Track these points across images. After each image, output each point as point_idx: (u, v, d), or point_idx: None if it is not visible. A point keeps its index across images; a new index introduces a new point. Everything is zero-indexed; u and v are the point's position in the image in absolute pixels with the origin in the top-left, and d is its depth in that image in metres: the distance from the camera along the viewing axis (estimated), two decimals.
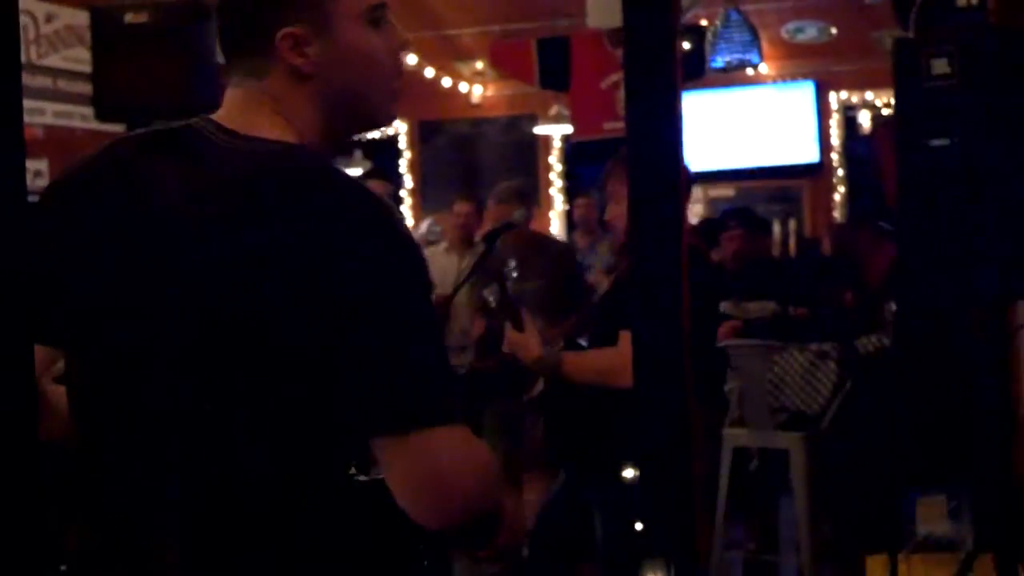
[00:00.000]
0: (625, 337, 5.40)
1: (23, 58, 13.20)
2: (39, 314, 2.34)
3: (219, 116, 2.54)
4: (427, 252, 9.70)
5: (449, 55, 14.19)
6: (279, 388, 2.28)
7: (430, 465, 2.25)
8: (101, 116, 12.68)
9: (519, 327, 6.03)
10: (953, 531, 6.45)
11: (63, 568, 6.24)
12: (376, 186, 8.87)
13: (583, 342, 6.26)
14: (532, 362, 5.93)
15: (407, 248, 2.33)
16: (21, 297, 3.07)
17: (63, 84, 13.83)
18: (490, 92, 15.44)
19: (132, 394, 2.41)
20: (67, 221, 2.50)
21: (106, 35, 12.30)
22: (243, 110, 2.53)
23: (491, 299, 6.96)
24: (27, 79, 13.41)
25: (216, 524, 2.35)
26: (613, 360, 5.49)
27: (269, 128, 2.45)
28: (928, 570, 6.15)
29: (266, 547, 2.35)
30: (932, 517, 6.50)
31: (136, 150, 2.58)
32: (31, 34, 13.80)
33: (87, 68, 12.61)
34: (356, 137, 2.74)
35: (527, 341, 5.95)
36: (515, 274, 6.90)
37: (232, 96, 2.58)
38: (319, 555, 2.35)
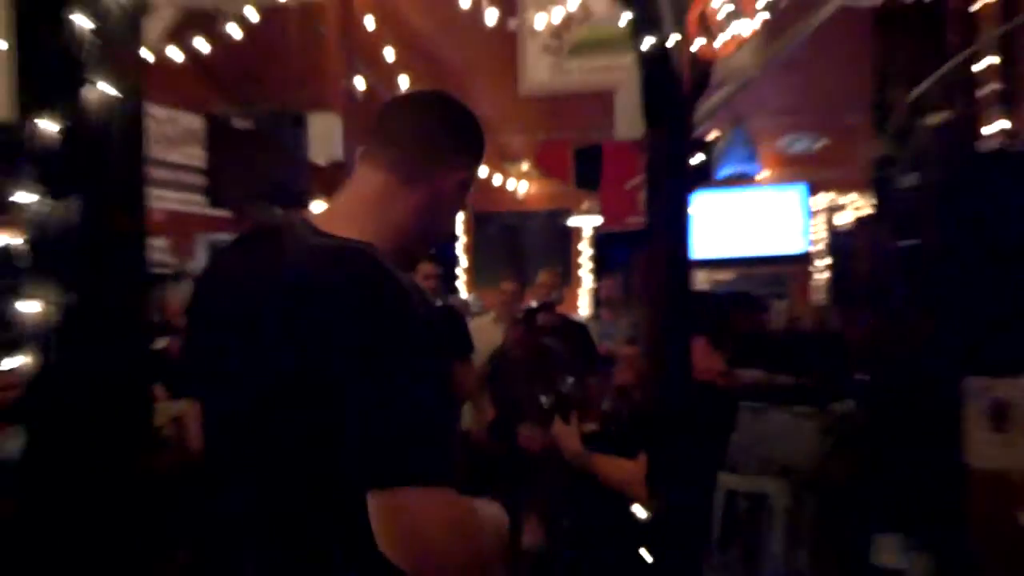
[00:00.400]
0: (643, 457, 5.42)
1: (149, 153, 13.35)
2: (186, 375, 2.69)
3: (333, 203, 2.71)
4: (475, 321, 9.71)
5: (500, 157, 14.26)
6: (316, 440, 2.30)
7: (404, 521, 2.19)
8: (213, 203, 12.82)
9: (567, 421, 5.98)
10: (908, 566, 6.41)
11: None
12: (425, 267, 8.93)
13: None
14: (572, 455, 5.84)
15: (413, 327, 2.29)
16: (139, 351, 3.11)
17: (182, 176, 13.92)
18: (533, 189, 15.49)
19: (221, 437, 2.55)
20: (196, 306, 2.69)
21: (217, 136, 12.45)
22: (356, 197, 2.68)
23: (545, 403, 6.93)
24: (152, 171, 13.52)
25: (278, 536, 2.41)
26: (633, 475, 5.43)
27: (357, 228, 2.53)
28: None
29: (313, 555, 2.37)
30: (888, 552, 6.47)
31: (238, 246, 2.69)
32: (156, 133, 13.91)
33: (202, 163, 12.75)
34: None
35: (571, 436, 5.88)
36: (570, 380, 6.90)
37: (359, 179, 2.72)
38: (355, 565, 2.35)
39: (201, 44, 12.55)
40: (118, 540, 3.10)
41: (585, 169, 12.79)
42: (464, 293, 14.88)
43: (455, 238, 16.48)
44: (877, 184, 6.00)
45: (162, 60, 12.71)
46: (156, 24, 12.76)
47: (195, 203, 13.53)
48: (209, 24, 12.83)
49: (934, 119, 9.48)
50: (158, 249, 15.94)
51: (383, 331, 2.25)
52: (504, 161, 14.38)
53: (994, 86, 9.96)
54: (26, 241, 2.69)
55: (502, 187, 14.73)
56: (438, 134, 2.74)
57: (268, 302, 2.36)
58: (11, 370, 2.77)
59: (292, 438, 2.33)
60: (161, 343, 9.95)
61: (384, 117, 2.79)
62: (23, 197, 2.64)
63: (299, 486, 2.37)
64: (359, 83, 13.73)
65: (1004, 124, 7.19)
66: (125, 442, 3.01)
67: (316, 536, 2.37)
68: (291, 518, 2.39)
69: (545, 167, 14.03)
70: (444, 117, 2.81)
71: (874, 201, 6.16)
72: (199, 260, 15.21)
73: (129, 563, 3.20)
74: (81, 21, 2.62)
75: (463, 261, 15.77)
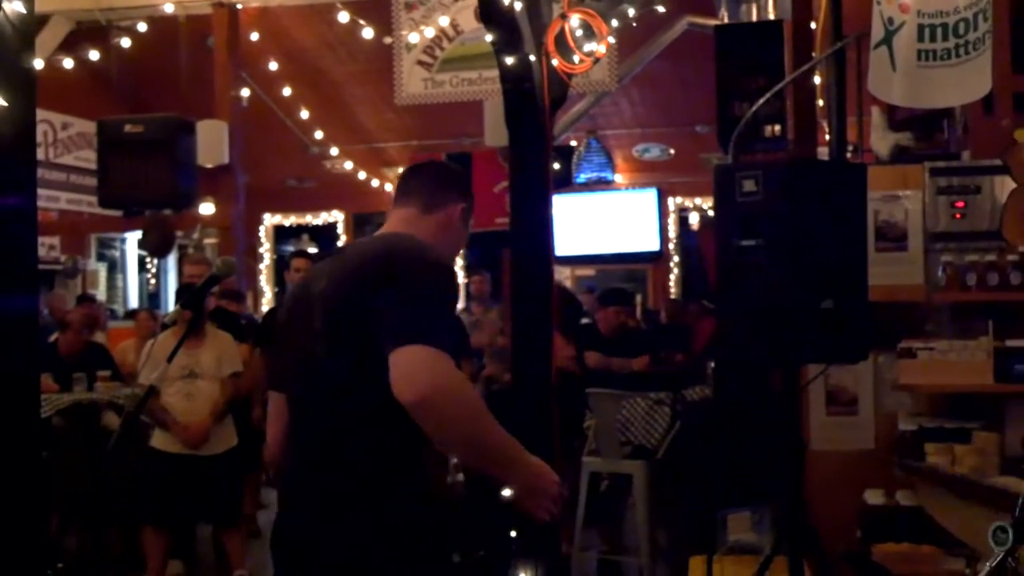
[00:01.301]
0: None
1: (43, 156, 13.09)
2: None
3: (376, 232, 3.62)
4: None
5: (377, 163, 14.22)
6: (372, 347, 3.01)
7: (407, 361, 2.92)
8: (103, 204, 12.61)
9: None
10: (756, 539, 6.49)
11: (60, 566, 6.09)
12: (300, 263, 8.92)
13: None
14: None
15: (442, 275, 3.20)
16: (31, 351, 3.04)
17: (74, 178, 13.69)
18: None
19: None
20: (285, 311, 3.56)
21: (110, 141, 12.24)
22: (393, 225, 3.49)
23: None
24: (45, 173, 13.30)
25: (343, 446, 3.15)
26: None
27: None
28: (736, 569, 6.18)
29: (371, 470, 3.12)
30: (739, 528, 6.53)
31: (320, 259, 3.71)
32: (50, 138, 13.65)
33: (93, 166, 12.53)
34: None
35: None
36: None
37: (393, 216, 3.54)
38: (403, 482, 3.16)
39: (94, 54, 12.35)
40: (13, 534, 3.01)
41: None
42: None
43: (337, 236, 16.42)
44: (719, 188, 6.08)
45: (57, 69, 12.48)
46: (51, 35, 12.52)
47: (87, 203, 13.31)
48: (102, 36, 12.62)
49: (770, 130, 9.64)
50: (51, 247, 15.69)
51: (420, 264, 3.17)
52: (381, 166, 14.33)
53: (826, 101, 10.16)
54: None
55: (380, 189, 14.67)
56: (444, 181, 3.61)
57: (342, 274, 3.24)
58: None
59: (359, 350, 3.08)
60: (52, 336, 9.78)
61: (406, 176, 3.63)
62: None
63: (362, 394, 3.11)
64: (244, 92, 13.60)
65: (833, 136, 7.33)
66: (15, 434, 2.94)
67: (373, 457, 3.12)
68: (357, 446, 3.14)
69: None
70: (446, 172, 3.77)
71: (717, 204, 6.22)
72: (90, 258, 14.95)
73: (25, 553, 3.13)
74: None
75: None
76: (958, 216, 6.49)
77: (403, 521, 3.10)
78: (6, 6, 2.63)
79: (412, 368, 2.92)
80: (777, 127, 9.76)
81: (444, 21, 13.00)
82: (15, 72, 2.73)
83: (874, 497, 6.03)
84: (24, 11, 2.70)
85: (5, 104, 2.66)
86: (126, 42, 12.73)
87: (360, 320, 3.06)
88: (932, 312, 6.48)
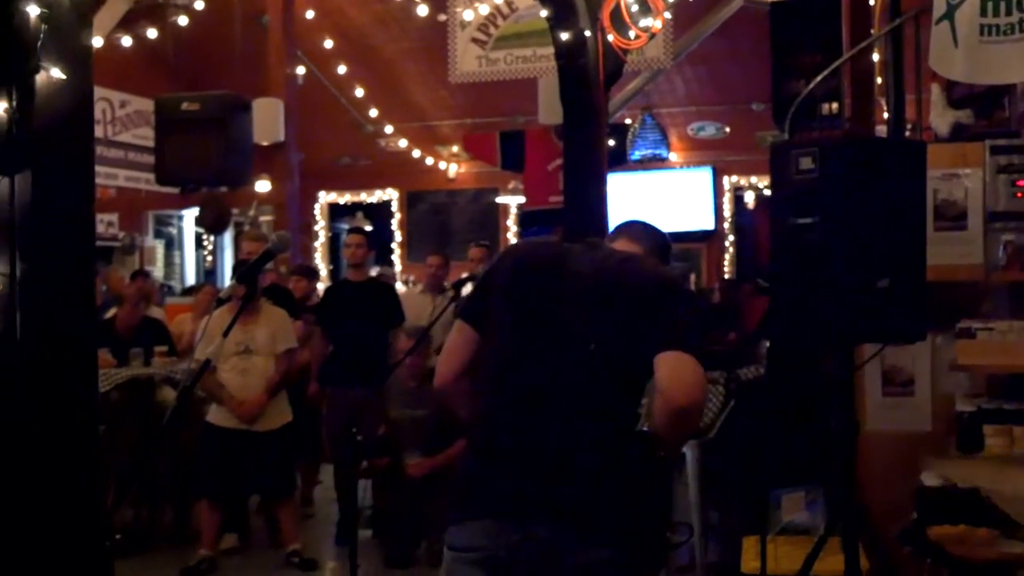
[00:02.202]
0: None
1: (101, 134, 13.17)
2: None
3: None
4: (405, 292, 9.65)
5: (432, 141, 14.22)
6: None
7: (677, 363, 3.23)
8: (160, 181, 12.67)
9: None
10: (809, 519, 6.44)
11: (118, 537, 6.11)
12: (355, 239, 8.96)
13: None
14: None
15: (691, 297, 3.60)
16: (86, 320, 3.04)
17: (132, 156, 13.76)
18: (462, 170, 15.47)
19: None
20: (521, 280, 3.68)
21: (166, 119, 12.30)
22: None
23: None
24: (103, 151, 13.38)
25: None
26: None
27: None
28: (789, 550, 6.13)
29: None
30: (793, 508, 6.49)
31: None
32: (108, 116, 13.73)
33: (151, 143, 12.59)
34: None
35: None
36: None
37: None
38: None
39: (151, 33, 12.41)
40: (71, 507, 3.03)
41: (510, 152, 12.78)
42: (398, 266, 14.81)
43: (392, 215, 16.43)
44: (775, 166, 6.02)
45: (115, 48, 12.54)
46: (110, 13, 12.58)
47: (144, 181, 13.38)
48: (159, 14, 12.67)
49: (827, 108, 9.54)
50: (109, 224, 15.80)
51: (678, 295, 3.48)
52: (435, 144, 14.32)
53: (884, 78, 10.04)
54: None
55: (433, 168, 14.71)
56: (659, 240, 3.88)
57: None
58: None
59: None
60: (110, 312, 9.85)
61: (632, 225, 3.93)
62: None
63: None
64: (299, 70, 13.62)
65: (891, 113, 7.24)
66: (73, 408, 2.94)
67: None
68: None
69: (473, 150, 13.96)
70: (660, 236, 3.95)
71: (773, 182, 6.16)
72: (147, 235, 15.05)
73: (82, 525, 3.14)
74: (31, 8, 2.59)
75: (397, 236, 15.71)
76: (1019, 195, 6.38)
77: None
78: None
79: (678, 373, 3.23)
80: (834, 105, 9.67)
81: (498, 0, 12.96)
82: (72, 47, 2.74)
83: (931, 478, 5.95)
84: None
85: (63, 77, 2.68)
86: (183, 20, 12.77)
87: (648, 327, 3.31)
88: (991, 292, 6.40)
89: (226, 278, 16.69)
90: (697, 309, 3.59)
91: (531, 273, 3.53)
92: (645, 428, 3.40)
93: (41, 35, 2.60)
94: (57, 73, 2.66)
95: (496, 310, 3.49)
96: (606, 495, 3.25)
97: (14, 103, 2.60)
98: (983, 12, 6.12)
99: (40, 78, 2.64)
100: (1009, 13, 6.10)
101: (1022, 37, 6.11)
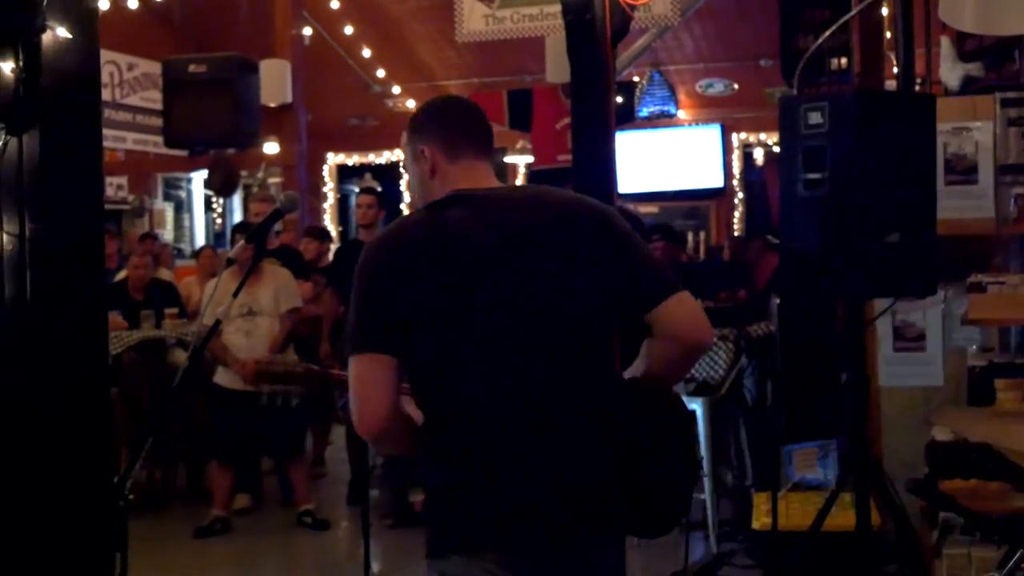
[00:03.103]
0: None
1: (109, 97, 13.15)
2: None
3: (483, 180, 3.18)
4: None
5: None
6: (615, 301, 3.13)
7: (687, 304, 3.07)
8: (168, 144, 12.67)
9: None
10: (821, 475, 6.44)
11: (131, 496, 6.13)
12: (365, 199, 8.98)
13: None
14: None
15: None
16: (96, 282, 3.03)
17: (140, 119, 13.74)
18: None
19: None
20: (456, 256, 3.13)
21: (174, 81, 12.28)
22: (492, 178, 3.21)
23: None
24: (112, 114, 13.37)
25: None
26: None
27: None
28: (801, 506, 6.14)
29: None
30: (805, 464, 6.49)
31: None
32: (116, 79, 13.70)
33: (159, 106, 12.58)
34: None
35: None
36: None
37: (485, 168, 3.20)
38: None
39: None
40: (84, 468, 3.04)
41: (518, 111, 12.73)
42: None
43: (400, 175, 16.39)
44: (784, 123, 5.99)
45: (123, 10, 12.51)
46: None
47: (153, 144, 13.36)
48: None
49: (835, 63, 9.49)
50: (119, 187, 15.79)
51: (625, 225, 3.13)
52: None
53: (893, 32, 9.98)
54: None
55: None
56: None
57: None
58: None
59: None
60: (120, 274, 9.88)
61: (480, 120, 3.33)
62: None
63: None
64: (306, 31, 13.58)
65: (901, 67, 7.19)
66: (84, 369, 2.94)
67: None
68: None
69: (482, 108, 13.94)
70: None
71: (781, 137, 6.13)
72: (156, 197, 15.05)
73: (95, 486, 3.14)
74: None
75: (406, 197, 15.62)
76: None
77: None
78: None
79: (691, 313, 3.08)
80: (843, 60, 9.62)
81: None
82: (78, 7, 2.74)
83: (942, 433, 5.94)
84: None
85: (69, 37, 2.67)
86: None
87: (613, 271, 3.01)
88: (1002, 246, 6.37)
89: (198, 238, 16.72)
90: (643, 231, 3.38)
91: (436, 257, 2.97)
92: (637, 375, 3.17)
93: None
94: (63, 32, 2.65)
95: (424, 311, 2.93)
96: (617, 482, 3.01)
97: (20, 62, 2.60)
98: None
99: (46, 37, 2.63)
100: None
101: None
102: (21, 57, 2.60)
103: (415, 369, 2.98)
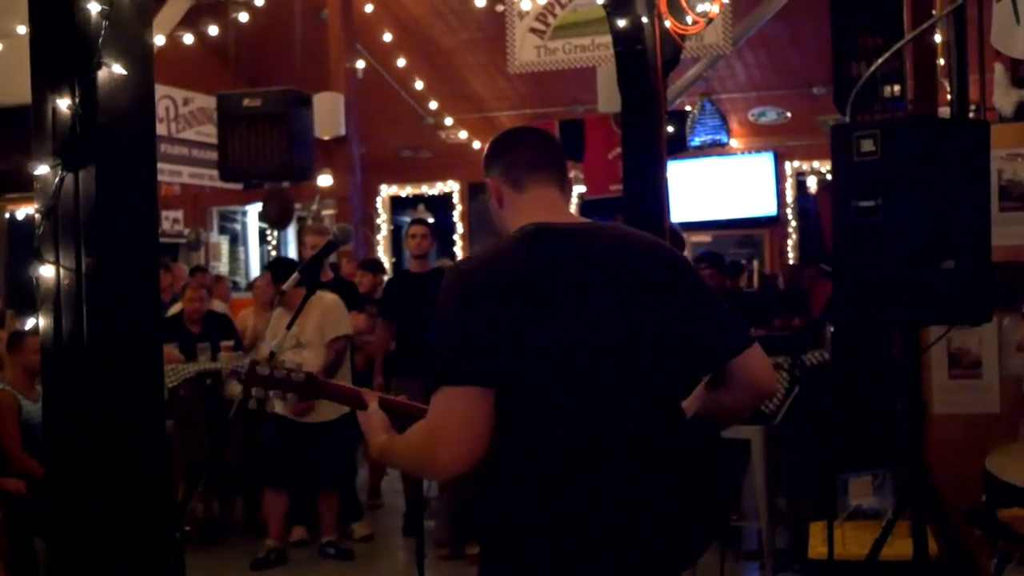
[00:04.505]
0: None
1: (165, 132, 13.30)
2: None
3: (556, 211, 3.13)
4: None
5: (492, 132, 14.21)
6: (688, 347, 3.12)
7: (761, 357, 3.08)
8: (223, 177, 12.81)
9: None
10: (877, 503, 6.41)
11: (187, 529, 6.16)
12: (417, 229, 9.03)
13: None
14: None
15: None
16: (151, 315, 3.07)
17: (196, 153, 13.88)
18: None
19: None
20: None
21: (229, 115, 12.42)
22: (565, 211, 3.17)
23: None
24: (168, 148, 13.51)
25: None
26: None
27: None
28: (858, 535, 6.11)
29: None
30: (861, 492, 6.45)
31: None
32: (172, 113, 13.86)
33: (214, 140, 12.72)
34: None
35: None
36: None
37: (555, 197, 3.15)
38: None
39: (213, 30, 12.51)
40: (141, 500, 3.07)
41: (569, 141, 12.77)
42: (460, 255, 14.84)
43: (452, 206, 16.45)
44: (837, 151, 5.98)
45: (178, 45, 12.66)
46: (172, 11, 12.70)
47: (208, 177, 13.49)
48: (220, 11, 12.78)
49: (889, 91, 9.46)
50: (175, 221, 15.94)
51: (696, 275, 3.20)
52: (494, 135, 14.36)
53: (947, 59, 9.93)
54: (39, 210, 2.69)
55: None
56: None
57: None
58: (31, 330, 2.82)
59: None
60: (175, 307, 9.97)
61: (554, 146, 3.33)
62: (40, 170, 2.64)
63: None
64: (359, 64, 13.69)
65: (954, 94, 7.17)
66: (140, 402, 2.98)
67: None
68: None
69: None
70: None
71: (834, 165, 6.12)
72: (212, 230, 15.19)
73: (152, 518, 3.18)
74: (92, 6, 2.63)
75: (459, 228, 15.74)
76: None
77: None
78: None
79: (767, 365, 3.08)
80: (896, 87, 9.59)
81: None
82: (133, 44, 2.77)
83: (998, 462, 5.90)
84: None
85: (125, 73, 2.71)
86: (243, 17, 12.88)
87: (682, 318, 2.98)
88: None
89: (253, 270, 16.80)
90: (682, 246, 3.38)
91: (533, 287, 2.86)
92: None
93: (103, 32, 2.63)
94: (119, 69, 2.68)
95: (516, 341, 2.80)
96: (683, 522, 2.96)
97: (76, 99, 2.63)
98: None
99: (102, 74, 2.65)
100: None
101: None
102: (77, 94, 2.63)
103: (506, 400, 2.80)
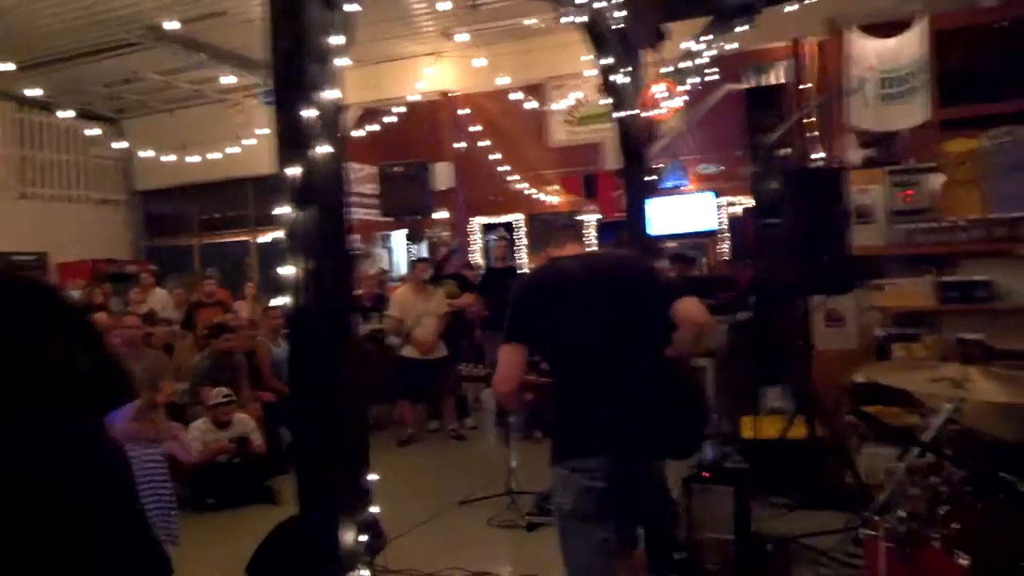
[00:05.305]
0: None
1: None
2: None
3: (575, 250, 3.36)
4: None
5: (541, 183, 14.15)
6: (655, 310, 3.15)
7: (694, 303, 3.08)
8: (384, 214, 12.89)
9: None
10: (783, 405, 6.31)
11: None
12: (499, 243, 9.03)
13: None
14: None
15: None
16: (349, 298, 3.05)
17: (366, 200, 13.92)
18: (560, 198, 15.33)
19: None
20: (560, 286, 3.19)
21: (384, 176, 12.41)
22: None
23: None
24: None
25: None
26: None
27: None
28: (773, 424, 6.02)
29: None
30: (773, 398, 6.36)
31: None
32: (352, 176, 13.85)
33: (376, 191, 12.76)
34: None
35: None
36: None
37: (575, 244, 3.41)
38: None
39: (374, 126, 12.55)
40: (346, 401, 2.99)
41: (589, 187, 12.71)
42: (524, 258, 14.77)
43: (519, 228, 16.39)
44: (753, 188, 5.89)
45: (355, 136, 12.70)
46: (351, 114, 12.75)
47: (373, 213, 13.54)
48: (379, 114, 12.82)
49: (783, 151, 9.32)
50: (354, 241, 16.02)
51: (658, 275, 3.25)
52: (543, 185, 14.26)
53: (815, 132, 9.80)
54: (285, 234, 2.72)
55: (543, 199, 14.63)
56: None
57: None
58: (279, 306, 2.87)
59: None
60: (359, 292, 10.04)
61: (573, 224, 3.43)
62: (282, 211, 2.66)
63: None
64: (462, 144, 13.68)
65: (821, 154, 7.03)
66: (343, 347, 2.96)
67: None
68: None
69: (567, 187, 13.88)
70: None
71: (751, 198, 6.03)
72: (376, 245, 15.25)
73: (359, 419, 3.15)
74: (309, 111, 2.65)
75: (523, 240, 15.67)
76: (907, 199, 6.18)
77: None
78: (328, 95, 2.68)
79: (698, 306, 3.06)
80: (788, 149, 9.47)
81: (578, 95, 12.93)
82: (333, 135, 2.78)
83: (859, 378, 5.79)
84: (338, 96, 2.76)
85: (330, 151, 2.72)
86: (392, 118, 12.90)
87: (649, 297, 3.08)
88: (892, 261, 6.19)
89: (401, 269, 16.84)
90: (669, 280, 3.34)
91: (555, 287, 3.12)
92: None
93: (317, 128, 2.64)
94: (326, 149, 2.70)
95: (546, 319, 3.04)
96: (668, 420, 3.00)
97: (304, 167, 2.65)
98: (883, 86, 5.96)
99: (317, 153, 2.68)
100: (899, 85, 5.93)
101: (906, 100, 5.94)
102: (303, 164, 2.65)
103: (545, 351, 3.09)
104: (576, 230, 3.59)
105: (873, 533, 3.02)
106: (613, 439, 2.97)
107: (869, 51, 6.35)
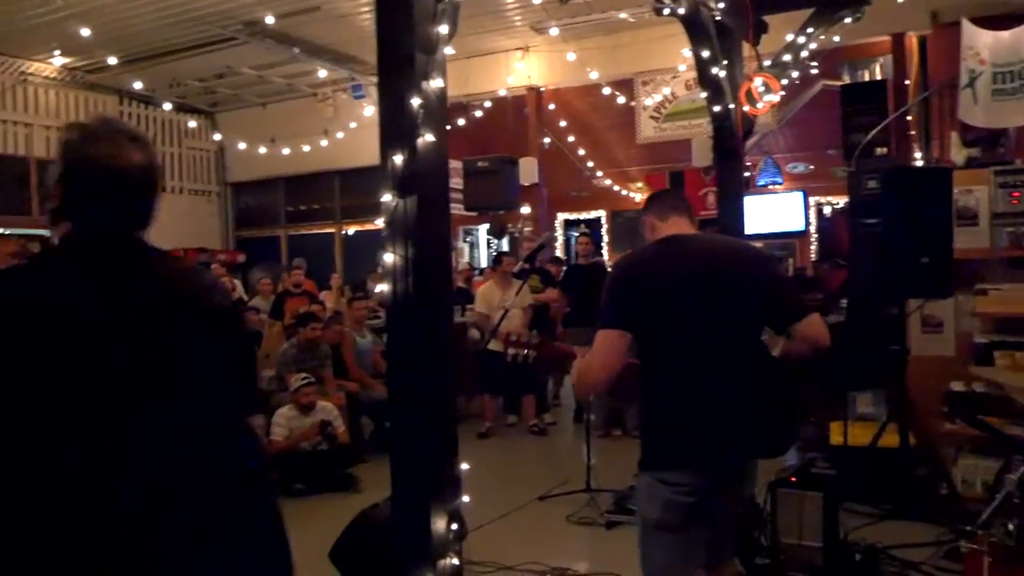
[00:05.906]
0: None
1: None
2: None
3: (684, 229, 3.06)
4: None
5: (625, 179, 14.06)
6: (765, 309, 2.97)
7: (821, 322, 2.96)
8: (467, 208, 12.97)
9: None
10: (876, 411, 6.15)
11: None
12: (582, 239, 8.99)
13: None
14: None
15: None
16: (447, 280, 3.06)
17: (453, 194, 14.03)
18: (644, 196, 15.22)
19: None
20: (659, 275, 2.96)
21: (469, 171, 12.54)
22: (690, 229, 3.08)
23: None
24: None
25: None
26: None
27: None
28: (863, 430, 5.87)
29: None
30: (864, 403, 6.20)
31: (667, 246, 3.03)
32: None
33: (460, 186, 12.87)
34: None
35: None
36: None
37: (683, 222, 3.08)
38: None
39: (461, 121, 12.66)
40: (438, 391, 2.94)
41: (675, 184, 12.57)
42: (606, 255, 14.71)
43: (602, 226, 16.32)
44: (849, 188, 5.75)
45: None
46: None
47: (457, 208, 13.68)
48: (465, 109, 12.92)
49: (880, 151, 9.06)
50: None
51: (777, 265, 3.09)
52: (628, 182, 14.15)
53: (914, 131, 9.50)
54: (385, 222, 2.74)
55: (627, 196, 14.53)
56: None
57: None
58: (379, 293, 2.91)
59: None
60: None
61: (678, 194, 3.28)
62: (386, 199, 2.70)
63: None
64: (546, 140, 13.68)
65: (918, 153, 6.80)
66: (439, 332, 2.98)
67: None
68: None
69: (651, 184, 13.77)
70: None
71: (846, 199, 5.87)
72: (459, 239, 15.37)
73: (450, 408, 3.13)
74: (415, 101, 2.66)
75: (606, 237, 15.59)
76: (1014, 201, 5.93)
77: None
78: (434, 83, 2.70)
79: (822, 326, 2.92)
80: (884, 148, 9.20)
81: (667, 91, 12.79)
82: (437, 124, 2.77)
83: (957, 386, 5.59)
84: (443, 86, 2.79)
85: (433, 140, 2.74)
86: (478, 113, 12.97)
87: (768, 296, 2.87)
88: (996, 264, 5.96)
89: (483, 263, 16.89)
90: (790, 286, 3.06)
91: (659, 271, 2.88)
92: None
93: (421, 117, 2.65)
94: (430, 137, 2.71)
95: (646, 308, 2.81)
96: (763, 418, 2.82)
97: (406, 156, 2.67)
98: (995, 81, 5.75)
99: (420, 141, 2.67)
100: (1012, 81, 5.71)
101: (1021, 97, 5.72)
102: (406, 153, 2.66)
103: (643, 340, 2.83)
104: (686, 203, 3.18)
105: (976, 547, 2.91)
106: (706, 450, 2.79)
107: (980, 44, 6.11)
